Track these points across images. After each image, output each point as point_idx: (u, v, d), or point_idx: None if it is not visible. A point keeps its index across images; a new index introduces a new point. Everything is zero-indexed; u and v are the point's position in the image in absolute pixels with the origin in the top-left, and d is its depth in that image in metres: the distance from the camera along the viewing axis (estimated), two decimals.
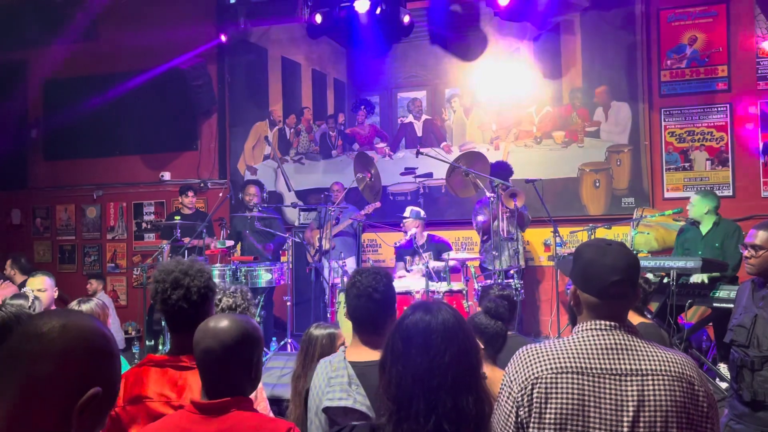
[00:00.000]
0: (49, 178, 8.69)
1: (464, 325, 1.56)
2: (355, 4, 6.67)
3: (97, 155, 8.42)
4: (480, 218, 6.31)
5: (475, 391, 1.47)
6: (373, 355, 2.23)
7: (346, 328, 3.53)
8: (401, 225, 6.21)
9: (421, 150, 6.16)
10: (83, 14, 8.09)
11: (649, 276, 4.54)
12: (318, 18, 6.87)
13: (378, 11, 6.69)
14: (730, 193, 6.53)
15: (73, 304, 3.15)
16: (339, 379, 2.15)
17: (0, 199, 8.83)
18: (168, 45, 7.73)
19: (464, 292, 5.36)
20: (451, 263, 5.55)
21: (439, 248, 6.06)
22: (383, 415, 1.47)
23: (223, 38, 7.53)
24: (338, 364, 2.20)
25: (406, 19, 6.85)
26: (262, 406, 2.31)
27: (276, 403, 4.45)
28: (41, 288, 4.19)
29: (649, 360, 1.64)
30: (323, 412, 2.15)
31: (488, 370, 2.57)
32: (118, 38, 8.13)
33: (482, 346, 2.66)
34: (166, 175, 8.25)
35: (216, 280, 5.75)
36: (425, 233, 6.22)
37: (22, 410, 1.00)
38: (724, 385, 4.40)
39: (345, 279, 5.62)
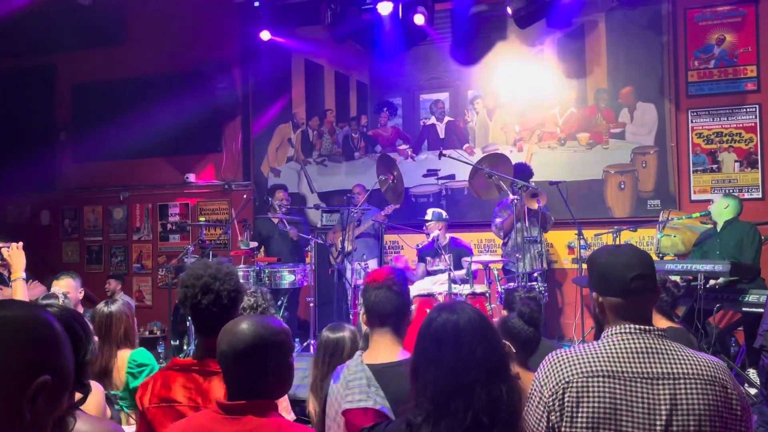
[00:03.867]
0: (78, 180, 8.84)
1: (488, 320, 1.60)
2: (378, 7, 6.69)
3: (124, 157, 8.54)
4: (498, 220, 6.28)
5: (506, 381, 1.51)
6: (392, 356, 2.24)
7: None
8: (423, 228, 6.19)
9: (444, 152, 6.15)
10: (111, 19, 8.23)
11: (677, 279, 4.48)
12: (342, 23, 6.88)
13: (401, 15, 6.69)
14: (760, 196, 6.41)
15: (100, 306, 3.20)
16: (357, 381, 2.15)
17: (30, 201, 9.01)
18: (193, 49, 7.82)
19: (487, 294, 5.34)
20: (474, 267, 5.52)
21: (459, 253, 6.03)
22: (419, 415, 1.50)
23: (266, 36, 7.54)
24: (356, 367, 2.21)
25: (420, 20, 6.76)
26: (283, 405, 2.32)
27: (299, 404, 4.47)
28: (65, 291, 4.26)
29: (681, 363, 1.64)
30: (342, 414, 2.15)
31: (520, 371, 2.55)
32: (144, 42, 8.25)
33: (513, 350, 2.64)
34: (191, 177, 8.35)
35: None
36: (448, 235, 6.20)
37: None
38: (753, 390, 4.33)
39: None
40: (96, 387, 2.42)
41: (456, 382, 1.47)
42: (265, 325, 1.74)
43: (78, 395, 1.63)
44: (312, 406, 2.97)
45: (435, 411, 1.47)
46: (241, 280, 5.85)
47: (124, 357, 3.11)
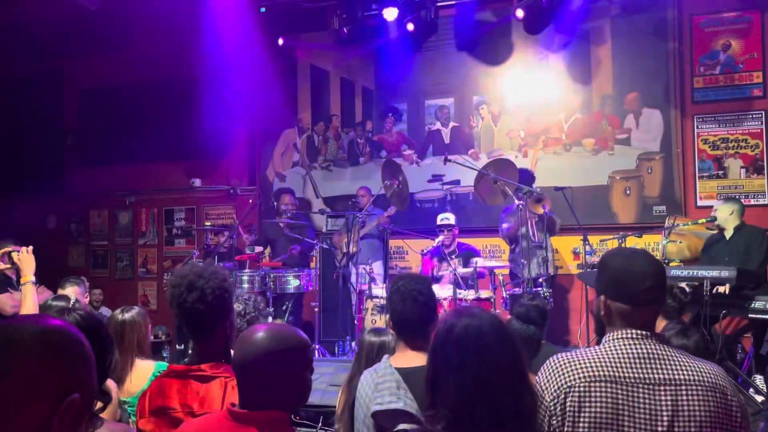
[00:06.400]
0: (84, 185, 8.87)
1: (508, 326, 1.58)
2: (384, 13, 6.71)
3: (130, 162, 8.58)
4: (505, 225, 6.27)
5: (529, 386, 1.49)
6: (419, 360, 2.22)
7: None
8: (442, 231, 6.08)
9: (449, 157, 6.15)
10: (117, 24, 8.28)
11: (684, 285, 4.46)
12: (348, 29, 6.90)
13: (408, 25, 6.73)
14: (766, 202, 6.38)
15: (116, 312, 3.20)
16: (387, 384, 2.15)
17: (36, 205, 9.04)
18: (199, 54, 7.84)
19: (492, 300, 5.33)
20: (479, 269, 5.51)
21: (468, 256, 6.03)
22: (438, 423, 1.45)
23: (281, 41, 7.59)
24: (384, 370, 2.21)
25: (410, 27, 6.74)
26: None
27: (304, 408, 4.47)
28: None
29: (682, 370, 1.65)
30: (372, 417, 2.15)
31: None
32: (151, 47, 8.29)
33: None
34: (197, 182, 8.37)
35: (245, 285, 5.85)
36: (456, 240, 6.21)
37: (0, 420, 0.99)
38: (760, 398, 4.30)
39: (372, 285, 5.63)
40: (113, 389, 2.42)
41: (482, 391, 1.43)
42: (281, 338, 1.68)
43: (98, 404, 1.64)
44: (341, 401, 2.98)
45: (457, 420, 1.43)
46: (245, 285, 5.80)
47: (146, 367, 3.10)
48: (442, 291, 5.40)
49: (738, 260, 5.12)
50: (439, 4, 7.01)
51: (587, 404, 1.63)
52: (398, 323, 2.34)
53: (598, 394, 1.63)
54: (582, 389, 1.64)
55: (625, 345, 1.69)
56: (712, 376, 1.64)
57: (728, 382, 1.66)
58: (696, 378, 1.63)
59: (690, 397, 1.60)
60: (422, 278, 2.41)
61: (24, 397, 1.00)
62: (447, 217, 6.14)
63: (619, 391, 1.63)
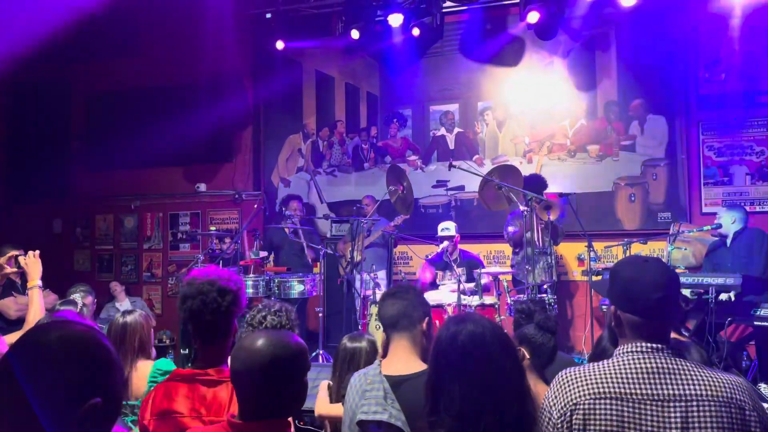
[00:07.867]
0: (90, 189, 8.91)
1: (506, 333, 1.59)
2: (389, 18, 6.73)
3: (136, 166, 8.61)
4: (511, 229, 6.25)
5: (529, 392, 1.49)
6: (409, 367, 2.23)
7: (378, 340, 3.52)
8: (440, 239, 6.05)
9: (454, 163, 6.15)
10: (124, 30, 8.32)
11: (686, 293, 4.45)
12: (354, 34, 6.91)
13: (414, 30, 6.74)
14: None
15: (117, 316, 3.21)
16: (374, 392, 2.13)
17: (43, 209, 9.08)
18: (205, 59, 7.88)
19: (496, 306, 5.32)
20: (484, 280, 5.48)
21: (470, 264, 6.01)
22: (438, 429, 1.45)
23: (280, 46, 7.61)
24: (374, 377, 2.20)
25: (416, 32, 6.77)
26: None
27: (308, 414, 4.47)
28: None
29: (695, 384, 1.58)
30: (357, 425, 2.15)
31: (536, 382, 2.51)
32: (156, 53, 8.34)
33: (527, 356, 2.60)
34: (202, 187, 8.40)
35: (249, 290, 5.85)
36: (458, 247, 6.19)
37: (22, 422, 1.01)
38: (765, 405, 4.28)
39: (377, 291, 5.63)
40: None
41: (488, 398, 1.43)
42: (283, 345, 1.67)
43: None
44: (323, 411, 2.97)
45: (460, 426, 1.42)
46: (249, 290, 5.79)
47: (145, 367, 3.10)
48: (447, 297, 5.39)
49: (740, 265, 5.11)
50: (444, 10, 7.03)
51: (592, 422, 1.59)
52: (383, 323, 2.32)
53: (603, 411, 1.59)
54: (587, 406, 1.60)
55: (634, 359, 1.64)
56: (729, 390, 1.57)
57: (748, 396, 1.59)
58: (709, 393, 1.56)
59: (702, 414, 1.54)
60: (403, 282, 2.43)
61: (42, 400, 1.02)
62: (447, 227, 6.07)
63: (626, 408, 1.58)
